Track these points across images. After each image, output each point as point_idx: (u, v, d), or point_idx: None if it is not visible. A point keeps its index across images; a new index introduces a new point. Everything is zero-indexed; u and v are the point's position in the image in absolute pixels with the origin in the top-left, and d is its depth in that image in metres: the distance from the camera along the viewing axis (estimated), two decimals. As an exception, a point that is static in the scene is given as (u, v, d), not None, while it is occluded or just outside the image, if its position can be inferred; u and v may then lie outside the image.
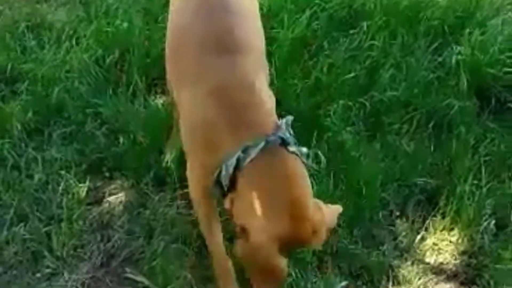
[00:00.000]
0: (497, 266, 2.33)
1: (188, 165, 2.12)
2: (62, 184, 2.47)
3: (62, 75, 2.82)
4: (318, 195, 2.38)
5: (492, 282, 2.30)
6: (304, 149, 1.95)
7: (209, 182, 1.99)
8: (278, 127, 1.91)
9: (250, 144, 1.87)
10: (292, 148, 1.89)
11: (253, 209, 1.83)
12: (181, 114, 2.11)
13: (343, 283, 2.30)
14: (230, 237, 2.17)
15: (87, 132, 2.67)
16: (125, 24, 3.00)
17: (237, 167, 1.88)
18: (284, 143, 1.88)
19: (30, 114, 2.69)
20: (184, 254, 2.33)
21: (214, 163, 1.94)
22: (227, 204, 1.95)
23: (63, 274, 2.28)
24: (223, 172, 1.91)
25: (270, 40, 2.82)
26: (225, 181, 1.92)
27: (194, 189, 2.12)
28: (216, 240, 2.14)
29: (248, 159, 1.86)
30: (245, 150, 1.87)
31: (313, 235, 1.86)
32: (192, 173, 2.10)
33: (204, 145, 1.98)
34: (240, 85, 1.95)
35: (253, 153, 1.85)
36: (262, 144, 1.86)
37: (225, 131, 1.92)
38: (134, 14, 3.09)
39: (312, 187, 2.39)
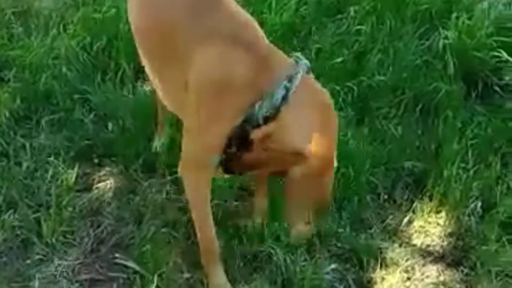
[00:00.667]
0: (483, 247, 2.35)
1: (194, 139, 2.02)
2: (51, 171, 2.48)
3: (50, 62, 2.82)
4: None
5: (478, 263, 2.33)
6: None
7: (223, 139, 1.93)
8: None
9: (291, 73, 1.87)
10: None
11: (306, 135, 1.85)
12: (191, 79, 1.97)
13: (332, 266, 2.32)
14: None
15: (76, 119, 2.67)
16: (113, 10, 3.00)
17: (284, 97, 1.85)
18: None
19: (18, 101, 2.69)
20: (174, 240, 2.34)
21: (247, 106, 1.88)
22: (258, 134, 1.89)
23: (53, 260, 2.29)
24: (266, 104, 1.86)
25: (258, 25, 2.83)
26: (266, 112, 1.86)
27: (198, 166, 2.04)
28: (211, 223, 2.13)
29: (294, 88, 1.85)
30: (290, 79, 1.86)
31: None
32: (200, 143, 1.99)
33: (237, 92, 1.89)
34: (244, 27, 1.98)
35: (297, 81, 1.86)
36: (301, 71, 1.87)
37: (259, 69, 1.88)
38: (121, 0, 3.07)
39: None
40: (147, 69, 2.25)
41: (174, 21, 2.04)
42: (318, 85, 1.97)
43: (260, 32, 2.03)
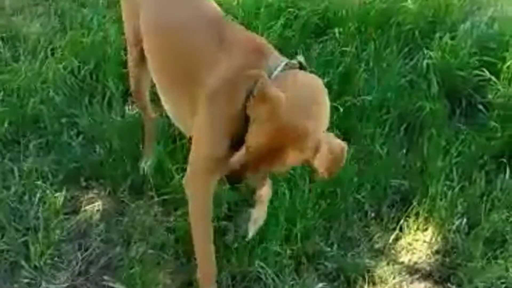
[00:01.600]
0: (470, 264, 2.37)
1: (205, 138, 2.05)
2: (38, 194, 2.48)
3: (38, 86, 2.84)
4: (294, 199, 2.43)
5: (465, 280, 2.35)
6: None
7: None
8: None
9: (272, 65, 1.96)
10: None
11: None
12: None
13: (320, 285, 2.33)
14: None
15: (64, 142, 2.68)
16: (100, 34, 3.03)
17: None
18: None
19: (6, 125, 2.69)
20: (162, 261, 2.35)
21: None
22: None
23: (41, 284, 2.28)
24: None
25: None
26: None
27: (205, 167, 2.07)
28: (210, 242, 2.13)
29: (275, 72, 1.95)
30: (270, 69, 1.95)
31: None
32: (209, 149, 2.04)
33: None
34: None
35: (279, 67, 1.96)
36: (283, 63, 1.97)
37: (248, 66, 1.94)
38: (109, 24, 3.11)
39: (289, 191, 2.45)
40: (158, 82, 2.29)
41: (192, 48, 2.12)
42: (307, 75, 2.00)
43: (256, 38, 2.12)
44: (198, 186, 2.10)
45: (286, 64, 1.98)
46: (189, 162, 2.12)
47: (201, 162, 2.07)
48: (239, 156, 1.91)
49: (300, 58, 2.03)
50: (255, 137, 1.86)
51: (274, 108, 1.81)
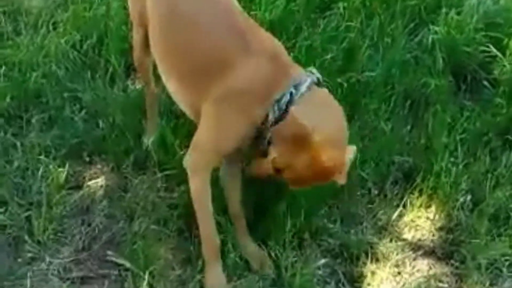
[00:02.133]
0: (473, 241, 2.37)
1: (208, 141, 2.11)
2: (41, 169, 2.47)
3: (40, 61, 2.82)
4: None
5: (468, 257, 2.35)
6: None
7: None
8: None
9: (298, 81, 2.01)
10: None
11: (315, 123, 1.93)
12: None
13: (323, 261, 2.33)
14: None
15: (66, 117, 2.67)
16: (102, 8, 2.99)
17: (289, 101, 2.00)
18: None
19: (8, 100, 2.68)
20: (165, 236, 2.35)
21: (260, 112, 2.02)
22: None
23: (44, 258, 2.29)
24: (275, 108, 2.00)
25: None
26: (275, 115, 2.00)
27: (206, 165, 2.15)
28: (211, 217, 2.17)
29: (299, 93, 2.00)
30: (297, 86, 2.01)
31: None
32: (213, 146, 2.11)
33: (249, 101, 2.03)
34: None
35: (303, 87, 2.01)
36: (309, 80, 2.02)
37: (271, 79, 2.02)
38: (111, -2, 3.07)
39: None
40: (163, 68, 2.29)
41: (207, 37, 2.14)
42: (329, 95, 2.08)
43: (281, 48, 2.14)
44: (199, 172, 2.16)
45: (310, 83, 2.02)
46: (192, 145, 2.16)
47: (204, 153, 2.14)
48: (265, 169, 2.04)
49: (315, 72, 2.08)
50: (291, 169, 1.99)
51: (315, 158, 1.92)
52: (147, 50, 2.40)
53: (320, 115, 1.97)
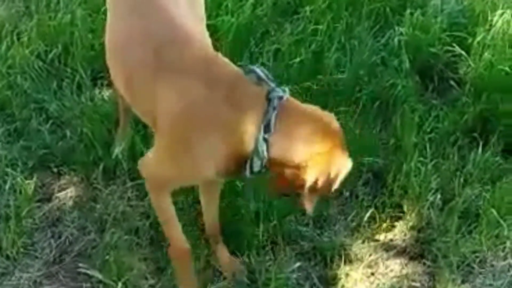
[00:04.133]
0: (444, 239, 2.39)
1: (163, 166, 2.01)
2: (9, 182, 2.44)
3: (4, 72, 2.77)
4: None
5: (440, 255, 2.37)
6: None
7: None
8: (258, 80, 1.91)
9: (267, 114, 1.84)
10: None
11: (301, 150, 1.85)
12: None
13: (297, 264, 2.33)
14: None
15: (33, 129, 2.63)
16: (67, 17, 2.96)
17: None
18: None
19: (-28, 113, 2.63)
20: (137, 246, 2.33)
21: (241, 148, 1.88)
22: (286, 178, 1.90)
23: (14, 273, 2.26)
24: (256, 161, 1.87)
25: (215, 28, 2.83)
26: (260, 168, 1.88)
27: (160, 188, 2.06)
28: (176, 222, 2.11)
29: (273, 130, 1.84)
30: (268, 124, 1.84)
31: None
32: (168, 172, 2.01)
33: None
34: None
35: (273, 121, 1.84)
36: (275, 107, 1.85)
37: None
38: (76, 6, 3.04)
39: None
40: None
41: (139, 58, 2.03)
42: (300, 106, 1.95)
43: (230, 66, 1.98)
44: (155, 190, 2.08)
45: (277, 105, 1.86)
46: (148, 164, 2.05)
47: (159, 178, 2.04)
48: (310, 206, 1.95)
49: (258, 70, 1.91)
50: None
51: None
52: None
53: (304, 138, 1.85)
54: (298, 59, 2.87)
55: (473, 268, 2.38)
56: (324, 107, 2.71)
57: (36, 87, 2.75)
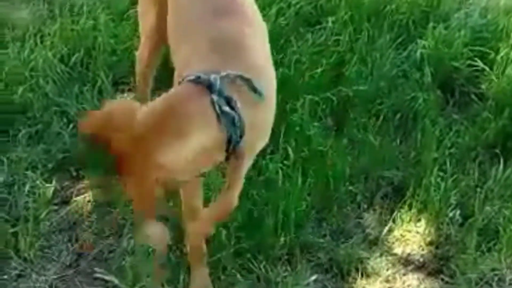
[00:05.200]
0: (463, 255, 2.37)
1: None
2: (28, 184, 2.45)
3: (27, 74, 2.79)
4: (286, 190, 2.42)
5: (458, 272, 2.34)
6: None
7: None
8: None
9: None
10: None
11: None
12: None
13: (314, 277, 2.32)
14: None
15: (53, 132, 2.64)
16: (90, 22, 2.98)
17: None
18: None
19: (-6, 114, 2.65)
20: (153, 252, 2.32)
21: None
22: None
23: (31, 275, 2.26)
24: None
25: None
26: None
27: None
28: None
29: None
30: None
31: None
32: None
33: None
34: None
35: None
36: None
37: None
38: (99, 11, 3.06)
39: (282, 182, 2.42)
40: None
41: None
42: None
43: None
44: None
45: None
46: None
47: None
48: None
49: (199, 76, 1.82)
50: None
51: None
52: (151, 65, 2.42)
53: None
54: (319, 70, 2.87)
55: (491, 286, 2.34)
56: (343, 118, 2.76)
57: (57, 91, 2.77)
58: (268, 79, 1.95)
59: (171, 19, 2.14)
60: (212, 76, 1.77)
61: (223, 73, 1.78)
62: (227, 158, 1.87)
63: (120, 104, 1.82)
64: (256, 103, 1.83)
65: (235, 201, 1.98)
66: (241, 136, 1.80)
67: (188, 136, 1.72)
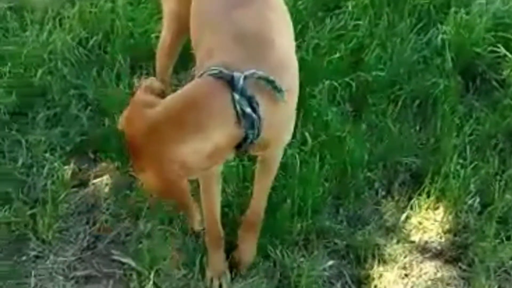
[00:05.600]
0: (481, 243, 2.35)
1: None
2: (46, 167, 2.46)
3: (45, 57, 2.80)
4: (304, 175, 2.41)
5: (476, 260, 2.32)
6: None
7: None
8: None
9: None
10: None
11: None
12: None
13: (330, 263, 2.31)
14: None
15: (71, 114, 2.65)
16: (108, 5, 2.97)
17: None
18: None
19: (13, 97, 2.66)
20: (170, 236, 2.33)
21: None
22: None
23: (48, 257, 2.28)
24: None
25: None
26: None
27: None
28: (214, 206, 2.15)
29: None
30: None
31: None
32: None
33: None
34: None
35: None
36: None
37: None
38: (117, -6, 3.05)
39: (299, 168, 2.41)
40: None
41: None
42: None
43: None
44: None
45: None
46: None
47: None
48: None
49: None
50: None
51: None
52: (172, 51, 2.40)
53: None
54: (337, 55, 2.84)
55: (510, 274, 2.32)
56: (362, 104, 2.74)
57: (76, 73, 2.77)
58: (291, 74, 1.91)
59: (194, 7, 2.10)
60: (236, 74, 1.72)
61: (247, 73, 1.73)
62: (236, 155, 1.86)
63: (136, 95, 1.79)
64: (278, 102, 1.78)
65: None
66: (258, 135, 1.76)
67: (206, 132, 1.69)
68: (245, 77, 1.72)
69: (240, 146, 1.77)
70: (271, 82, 1.76)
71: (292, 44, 2.02)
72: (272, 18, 1.93)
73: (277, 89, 1.77)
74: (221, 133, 1.72)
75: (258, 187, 2.21)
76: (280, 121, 1.86)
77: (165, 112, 1.69)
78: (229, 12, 1.91)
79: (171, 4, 2.31)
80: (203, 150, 1.70)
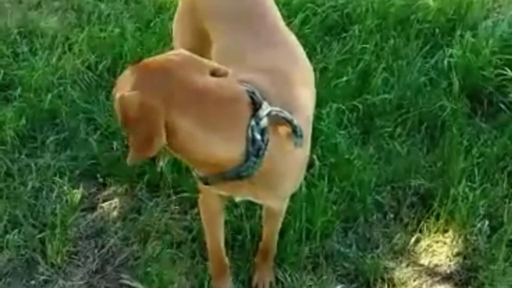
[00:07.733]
0: (491, 267, 2.33)
1: None
2: (55, 190, 2.47)
3: (55, 81, 2.83)
4: (312, 198, 2.41)
5: (486, 283, 2.31)
6: None
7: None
8: None
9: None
10: None
11: None
12: None
13: (338, 287, 2.30)
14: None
15: (81, 138, 2.67)
16: (117, 30, 3.01)
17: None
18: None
19: (23, 121, 2.69)
20: (179, 259, 2.33)
21: None
22: None
23: (57, 281, 2.28)
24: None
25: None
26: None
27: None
28: (216, 235, 2.15)
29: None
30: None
31: None
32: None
33: None
34: None
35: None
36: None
37: None
38: (126, 20, 3.09)
39: (307, 191, 2.41)
40: None
41: None
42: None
43: None
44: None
45: None
46: None
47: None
48: None
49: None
50: None
51: None
52: None
53: None
54: (344, 78, 2.86)
55: (520, 298, 2.31)
56: (370, 127, 2.74)
57: (85, 98, 2.80)
58: (308, 125, 1.92)
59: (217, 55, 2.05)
60: (264, 104, 1.71)
61: (275, 109, 1.73)
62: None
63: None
64: (288, 144, 1.78)
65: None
66: (259, 166, 1.72)
67: (211, 127, 1.65)
68: (269, 112, 1.72)
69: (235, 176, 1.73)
70: (292, 125, 1.76)
71: (313, 98, 2.04)
72: (301, 65, 2.02)
73: (296, 133, 1.77)
74: (222, 145, 1.69)
75: (267, 229, 2.23)
76: (285, 165, 1.84)
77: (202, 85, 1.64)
78: (262, 50, 1.95)
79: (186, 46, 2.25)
80: (196, 141, 1.65)
